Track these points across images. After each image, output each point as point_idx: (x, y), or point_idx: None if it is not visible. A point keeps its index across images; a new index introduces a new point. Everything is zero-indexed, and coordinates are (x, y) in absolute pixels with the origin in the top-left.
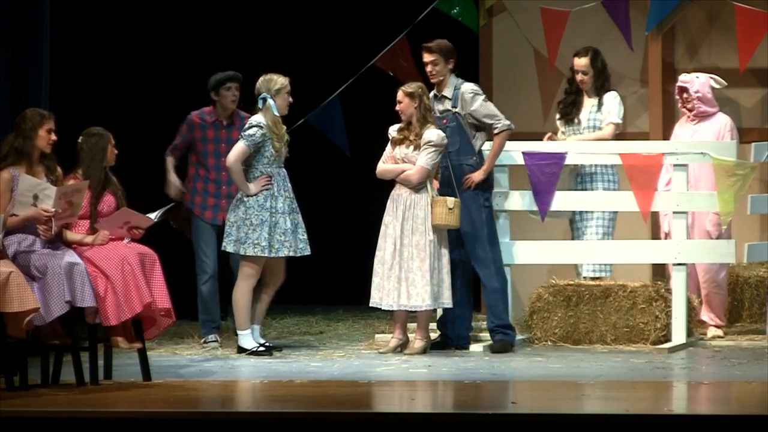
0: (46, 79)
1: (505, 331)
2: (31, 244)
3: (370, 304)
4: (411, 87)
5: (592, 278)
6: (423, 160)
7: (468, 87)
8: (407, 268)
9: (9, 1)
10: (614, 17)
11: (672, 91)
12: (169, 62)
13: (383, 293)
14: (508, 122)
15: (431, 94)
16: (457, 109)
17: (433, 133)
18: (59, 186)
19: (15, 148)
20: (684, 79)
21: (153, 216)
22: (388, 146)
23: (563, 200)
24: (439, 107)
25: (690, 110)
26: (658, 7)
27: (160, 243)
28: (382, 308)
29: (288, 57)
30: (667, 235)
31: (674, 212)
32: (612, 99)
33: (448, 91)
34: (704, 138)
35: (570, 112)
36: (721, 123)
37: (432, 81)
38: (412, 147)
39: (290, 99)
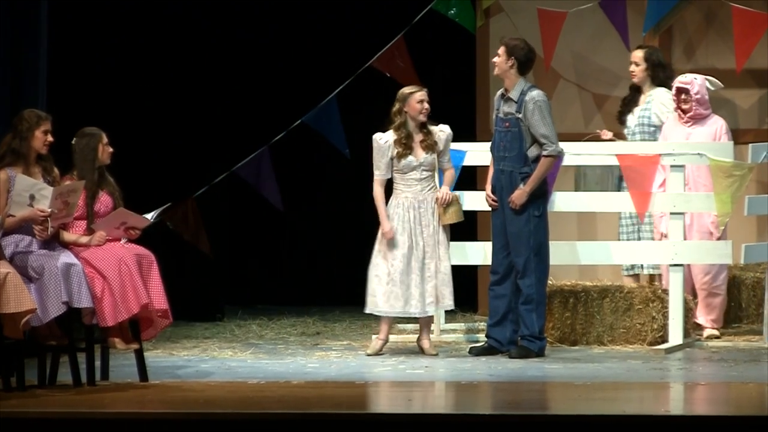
0: (44, 80)
1: (531, 339)
2: (28, 245)
3: (385, 314)
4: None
5: (632, 276)
6: (449, 157)
7: (533, 96)
8: (432, 269)
9: (6, 2)
10: (611, 18)
11: None
12: (167, 63)
13: (409, 299)
14: (560, 148)
15: (498, 93)
16: (520, 116)
17: (446, 127)
18: (56, 186)
19: (12, 149)
20: (684, 80)
21: (150, 216)
22: (378, 157)
23: (565, 201)
24: (504, 109)
25: (686, 112)
26: (655, 7)
27: (157, 244)
28: (413, 315)
29: (285, 58)
30: (663, 237)
31: (671, 213)
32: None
33: (514, 94)
34: (699, 140)
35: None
36: (717, 125)
37: (494, 75)
38: (426, 149)
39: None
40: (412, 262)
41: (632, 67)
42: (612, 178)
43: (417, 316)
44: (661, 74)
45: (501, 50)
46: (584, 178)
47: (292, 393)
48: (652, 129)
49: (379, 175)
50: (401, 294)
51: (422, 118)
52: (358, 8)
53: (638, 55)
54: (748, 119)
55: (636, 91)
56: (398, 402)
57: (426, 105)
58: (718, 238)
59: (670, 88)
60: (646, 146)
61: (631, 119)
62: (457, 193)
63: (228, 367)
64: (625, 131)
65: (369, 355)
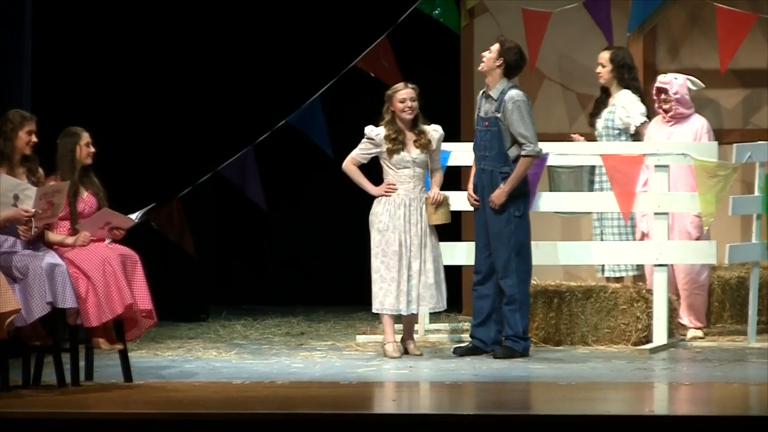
0: (28, 81)
1: (515, 339)
2: (12, 245)
3: (391, 312)
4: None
5: (615, 278)
6: (439, 159)
7: (512, 96)
8: (415, 269)
9: None
10: (596, 18)
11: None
12: (152, 64)
13: (410, 297)
14: (539, 148)
15: (481, 92)
16: (499, 115)
17: (439, 128)
18: (40, 187)
19: None
20: (663, 80)
21: (134, 217)
22: (367, 145)
23: (549, 201)
24: (485, 107)
25: (666, 111)
26: (639, 7)
27: (141, 244)
28: (412, 314)
29: (269, 58)
30: (644, 236)
31: (655, 213)
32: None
33: (494, 93)
34: (681, 140)
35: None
36: (698, 125)
37: (478, 69)
38: (420, 148)
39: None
40: (402, 259)
41: (598, 69)
42: (585, 182)
43: (403, 314)
44: (626, 75)
45: (494, 48)
46: (555, 183)
47: (276, 393)
48: (617, 132)
49: (355, 154)
50: (394, 292)
51: (405, 116)
52: (343, 8)
53: (604, 56)
54: (732, 119)
55: (606, 93)
56: (383, 402)
57: (409, 103)
58: (698, 238)
59: (634, 89)
60: (630, 146)
61: (599, 122)
62: (445, 193)
63: (212, 368)
64: (595, 134)
65: (393, 358)
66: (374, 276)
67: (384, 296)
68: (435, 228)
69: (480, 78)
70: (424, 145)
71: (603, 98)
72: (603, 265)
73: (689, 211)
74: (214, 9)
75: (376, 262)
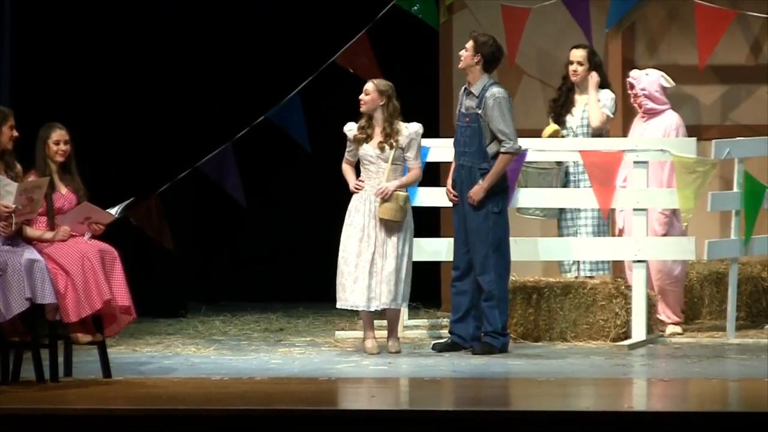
0: (7, 77)
1: (493, 335)
2: None
3: (350, 307)
4: (383, 84)
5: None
6: (417, 156)
7: (493, 92)
8: (386, 267)
9: None
10: (574, 14)
11: None
12: (129, 59)
13: (370, 294)
14: (518, 145)
15: (462, 88)
16: (480, 111)
17: (416, 125)
18: (19, 182)
19: None
20: (633, 74)
21: (113, 212)
22: (347, 142)
23: (527, 197)
24: (466, 103)
25: (639, 107)
26: (618, 3)
27: (120, 240)
28: (370, 310)
29: (249, 54)
30: (621, 232)
31: (634, 209)
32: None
33: (475, 89)
34: (651, 136)
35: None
36: (668, 121)
37: (458, 68)
38: (386, 146)
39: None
40: (363, 254)
41: (574, 67)
42: (557, 182)
43: (361, 310)
44: (602, 75)
45: (469, 44)
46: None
47: (255, 389)
48: None
49: (345, 154)
50: (350, 287)
51: (362, 109)
52: (322, 4)
53: (581, 54)
54: (710, 115)
55: (570, 91)
56: (361, 398)
57: (362, 96)
58: (663, 235)
59: (608, 88)
60: (609, 142)
61: (572, 120)
62: (401, 192)
63: (191, 364)
64: (564, 132)
65: (372, 354)
66: (338, 270)
67: (342, 291)
68: (410, 226)
69: (459, 74)
70: (390, 143)
71: (568, 96)
72: (566, 266)
73: (655, 208)
74: (194, 4)
75: (340, 257)
